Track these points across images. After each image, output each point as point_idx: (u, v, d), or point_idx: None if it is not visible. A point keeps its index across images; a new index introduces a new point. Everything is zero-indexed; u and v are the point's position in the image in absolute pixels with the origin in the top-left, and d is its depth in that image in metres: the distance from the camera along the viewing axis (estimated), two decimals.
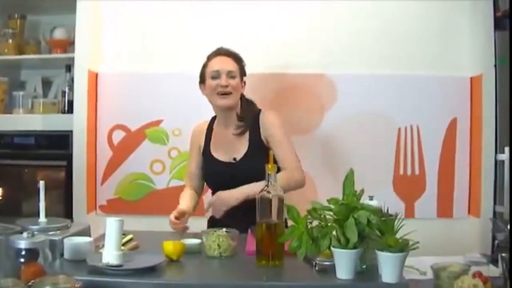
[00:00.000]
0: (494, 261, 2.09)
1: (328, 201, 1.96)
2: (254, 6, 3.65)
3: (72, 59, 3.57)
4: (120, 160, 3.66)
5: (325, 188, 3.47)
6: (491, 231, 3.24)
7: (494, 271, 1.99)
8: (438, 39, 3.63)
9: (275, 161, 2.17)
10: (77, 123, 3.53)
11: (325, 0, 3.63)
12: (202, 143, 2.97)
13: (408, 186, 3.63)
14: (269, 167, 2.09)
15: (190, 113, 3.60)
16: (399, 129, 3.62)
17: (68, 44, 3.74)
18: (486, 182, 3.47)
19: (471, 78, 3.59)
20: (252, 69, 3.02)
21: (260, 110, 2.92)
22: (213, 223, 2.79)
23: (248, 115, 2.88)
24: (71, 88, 3.66)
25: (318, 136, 3.58)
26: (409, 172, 3.63)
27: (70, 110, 3.63)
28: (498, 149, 3.43)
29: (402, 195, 3.61)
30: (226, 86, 2.81)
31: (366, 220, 1.83)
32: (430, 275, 2.01)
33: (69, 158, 3.54)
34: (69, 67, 3.72)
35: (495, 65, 3.43)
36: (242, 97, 2.94)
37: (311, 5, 3.63)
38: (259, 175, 2.29)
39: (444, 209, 3.62)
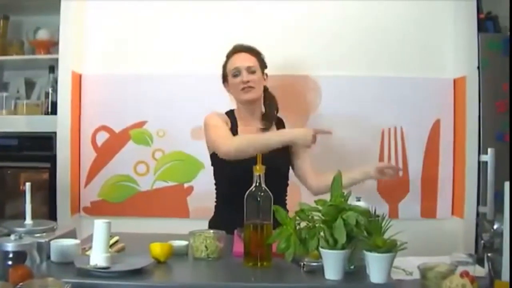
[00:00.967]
0: (480, 261, 2.10)
1: (316, 202, 1.98)
2: (240, 8, 3.66)
3: (56, 60, 3.55)
4: (104, 162, 3.64)
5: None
6: (477, 231, 3.29)
7: (479, 271, 2.00)
8: (421, 41, 3.67)
9: (270, 163, 2.18)
10: (61, 125, 3.50)
11: (309, 2, 3.65)
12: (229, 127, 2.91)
13: (392, 187, 3.64)
14: (257, 168, 2.09)
15: (175, 114, 3.62)
16: (383, 130, 3.65)
17: (52, 45, 3.71)
18: (470, 183, 3.49)
19: (455, 80, 3.63)
20: None
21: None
22: (215, 224, 2.79)
23: (271, 113, 2.98)
24: (54, 89, 3.63)
25: None
26: None
27: (53, 111, 3.60)
28: (481, 150, 3.45)
29: (385, 196, 3.63)
30: (248, 82, 2.85)
31: (355, 221, 1.84)
32: (416, 275, 2.02)
33: (52, 160, 3.51)
34: (52, 68, 3.69)
35: (478, 67, 3.46)
36: (266, 90, 3.00)
37: (296, 6, 3.65)
38: (287, 169, 2.94)
39: (428, 209, 3.65)
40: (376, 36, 3.66)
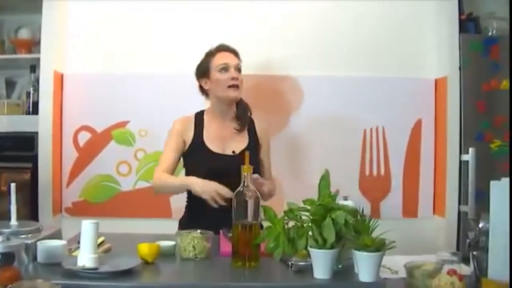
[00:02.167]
0: (465, 260, 2.13)
1: (304, 201, 1.98)
2: (220, 7, 3.65)
3: (37, 59, 3.52)
4: (86, 162, 3.61)
5: (291, 189, 3.48)
6: (462, 229, 3.34)
7: (464, 269, 2.02)
8: (403, 42, 3.70)
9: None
10: (42, 124, 3.47)
11: (290, 3, 3.66)
12: (191, 135, 2.90)
13: (374, 187, 3.68)
14: (245, 168, 2.09)
15: (157, 114, 3.60)
16: (365, 130, 3.68)
17: (33, 44, 3.67)
18: (451, 182, 3.53)
19: (436, 80, 3.66)
20: None
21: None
22: (186, 224, 2.78)
23: (244, 114, 2.95)
24: (35, 89, 3.61)
25: (284, 138, 3.60)
26: (374, 172, 3.67)
27: (35, 111, 3.57)
28: (462, 150, 3.49)
29: (367, 195, 3.66)
30: (237, 79, 2.86)
31: (344, 220, 1.85)
32: (401, 274, 2.03)
33: (34, 160, 3.48)
34: (34, 68, 3.66)
35: (459, 68, 3.50)
36: None
37: (277, 6, 3.66)
38: (255, 171, 2.49)
39: (410, 209, 3.69)
40: (358, 37, 3.68)
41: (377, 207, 3.65)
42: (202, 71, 2.96)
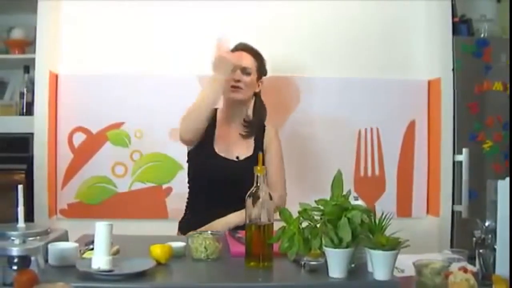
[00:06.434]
0: (470, 258, 2.16)
1: (316, 201, 1.99)
2: (217, 8, 3.65)
3: (31, 59, 3.48)
4: (81, 163, 3.59)
5: (288, 189, 3.49)
6: (456, 228, 3.37)
7: (469, 267, 2.06)
8: (397, 43, 3.75)
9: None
10: (38, 125, 3.43)
11: (289, 3, 3.69)
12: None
13: (369, 187, 3.71)
14: (258, 169, 2.09)
15: (152, 115, 3.60)
16: (359, 131, 3.70)
17: (27, 45, 3.63)
18: (444, 182, 3.57)
19: (429, 81, 3.71)
20: None
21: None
22: (188, 224, 2.78)
23: (257, 121, 2.94)
24: (29, 89, 3.57)
25: (280, 138, 3.60)
26: (369, 173, 3.70)
27: (28, 112, 3.54)
28: (456, 150, 3.54)
29: (362, 195, 3.60)
30: (238, 81, 2.84)
31: (360, 220, 1.87)
32: (408, 272, 2.06)
33: (29, 161, 3.43)
34: (27, 68, 3.62)
35: (452, 69, 3.54)
36: (257, 97, 3.00)
37: (272, 7, 3.67)
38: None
39: (404, 209, 3.72)
40: (352, 39, 3.71)
41: (372, 207, 3.65)
42: None
